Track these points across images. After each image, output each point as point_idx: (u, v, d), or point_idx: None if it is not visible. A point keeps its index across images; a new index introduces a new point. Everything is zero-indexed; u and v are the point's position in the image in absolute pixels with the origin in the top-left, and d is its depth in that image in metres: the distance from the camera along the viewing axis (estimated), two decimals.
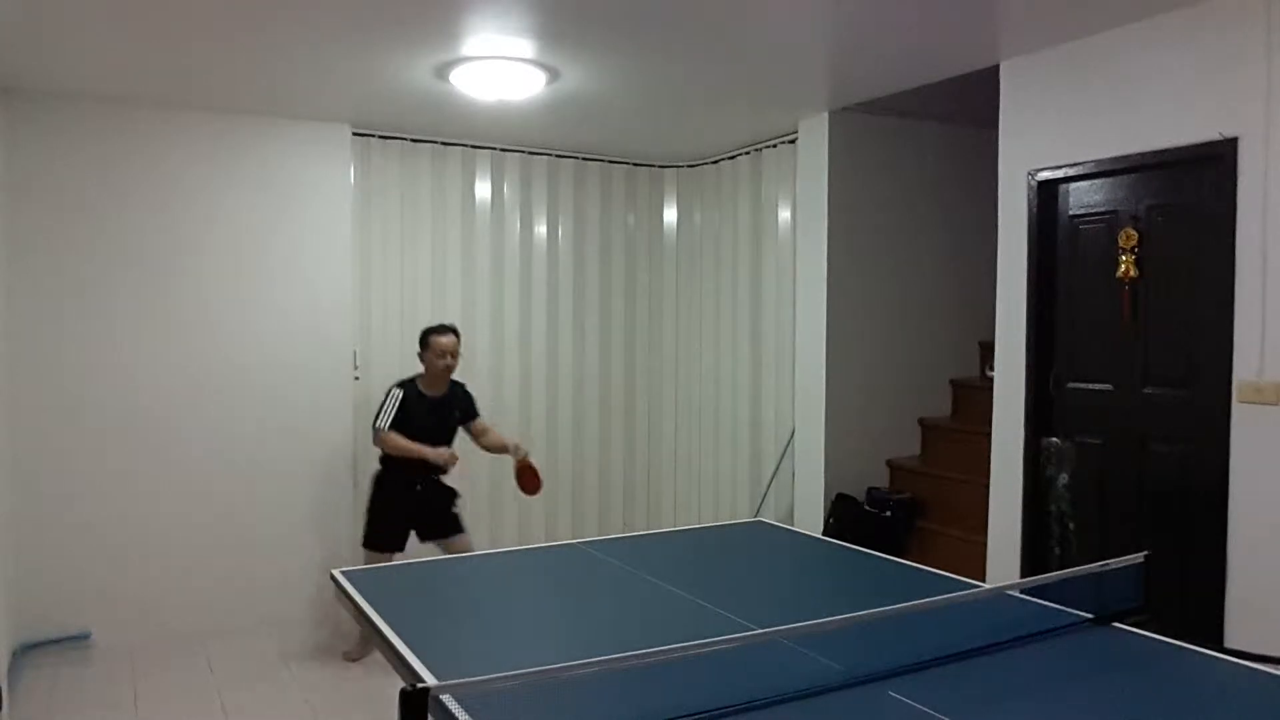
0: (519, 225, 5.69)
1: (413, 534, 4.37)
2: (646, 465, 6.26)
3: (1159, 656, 1.97)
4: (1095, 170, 3.54)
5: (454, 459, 4.25)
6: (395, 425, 4.25)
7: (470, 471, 4.36)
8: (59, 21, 3.32)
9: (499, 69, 3.89)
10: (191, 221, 4.66)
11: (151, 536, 4.59)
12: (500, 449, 4.46)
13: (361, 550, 4.40)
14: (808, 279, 4.96)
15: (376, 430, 4.25)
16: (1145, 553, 2.28)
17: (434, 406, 4.34)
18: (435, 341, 4.29)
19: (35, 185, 4.34)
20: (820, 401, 4.86)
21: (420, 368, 4.40)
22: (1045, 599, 2.28)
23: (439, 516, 4.34)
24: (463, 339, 4.45)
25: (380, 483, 4.37)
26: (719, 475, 5.94)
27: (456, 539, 4.34)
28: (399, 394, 4.29)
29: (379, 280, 5.28)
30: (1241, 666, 1.92)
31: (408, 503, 4.31)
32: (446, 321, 4.52)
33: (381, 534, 4.32)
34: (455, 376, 4.45)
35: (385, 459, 4.34)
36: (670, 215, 6.25)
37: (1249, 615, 3.06)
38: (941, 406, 5.19)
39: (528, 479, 4.34)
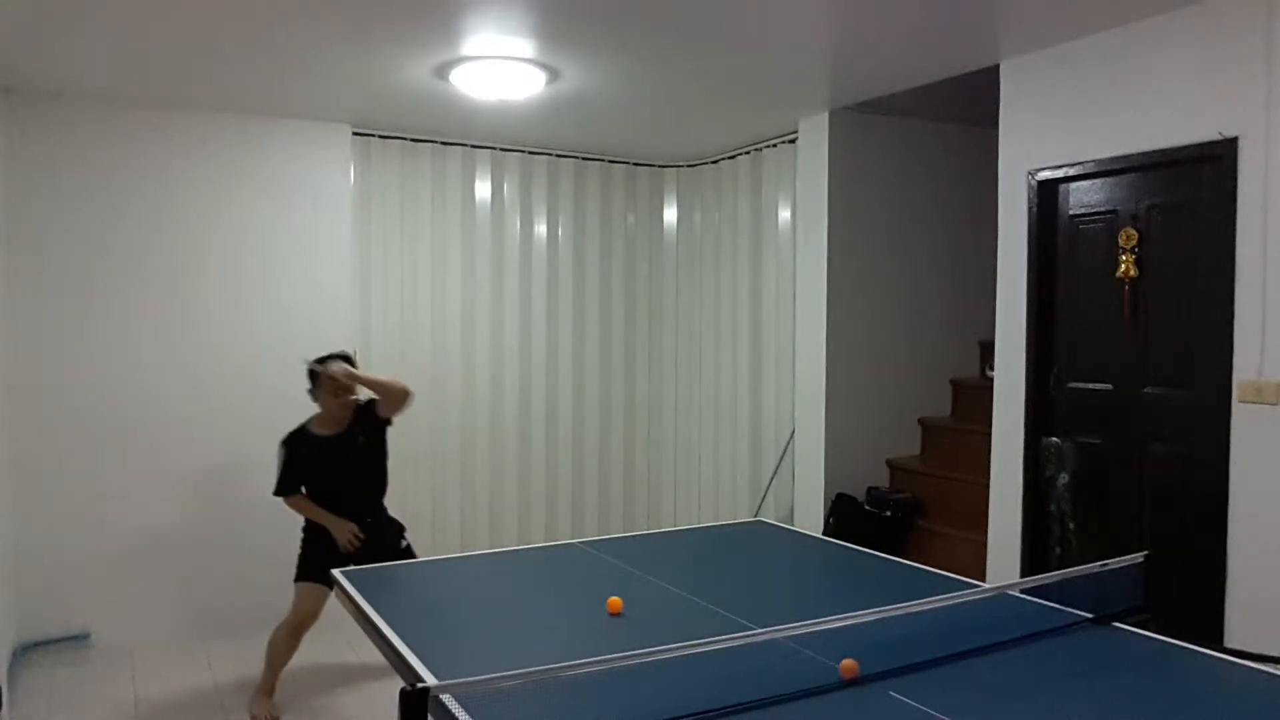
0: (519, 225, 5.69)
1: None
2: (646, 465, 6.26)
3: (1159, 656, 1.97)
4: (1095, 170, 3.54)
5: (352, 539, 3.73)
6: (306, 478, 3.80)
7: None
8: (59, 21, 3.32)
9: (499, 69, 3.89)
10: (191, 221, 4.66)
11: (151, 536, 4.59)
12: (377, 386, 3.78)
13: (293, 585, 3.85)
14: (808, 279, 4.96)
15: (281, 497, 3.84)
16: (1145, 553, 2.28)
17: (332, 447, 3.78)
18: (324, 376, 3.74)
19: (35, 185, 4.34)
20: (820, 401, 4.87)
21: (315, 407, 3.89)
22: (1045, 599, 2.28)
23: (385, 554, 3.65)
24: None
25: (311, 523, 3.86)
26: (719, 475, 5.94)
27: None
28: (284, 453, 3.79)
29: (379, 280, 5.28)
30: (1241, 666, 1.92)
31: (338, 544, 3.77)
32: (338, 350, 3.95)
33: (312, 568, 3.78)
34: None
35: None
36: (670, 215, 6.25)
37: (1249, 615, 3.06)
38: (941, 406, 5.19)
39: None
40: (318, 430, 3.83)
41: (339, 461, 3.80)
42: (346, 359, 3.83)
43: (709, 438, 6.05)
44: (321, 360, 3.81)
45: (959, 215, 5.11)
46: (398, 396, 3.79)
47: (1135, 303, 3.48)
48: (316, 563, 3.77)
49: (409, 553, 3.94)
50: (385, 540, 3.87)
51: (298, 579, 3.83)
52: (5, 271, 4.21)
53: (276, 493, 3.81)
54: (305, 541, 3.89)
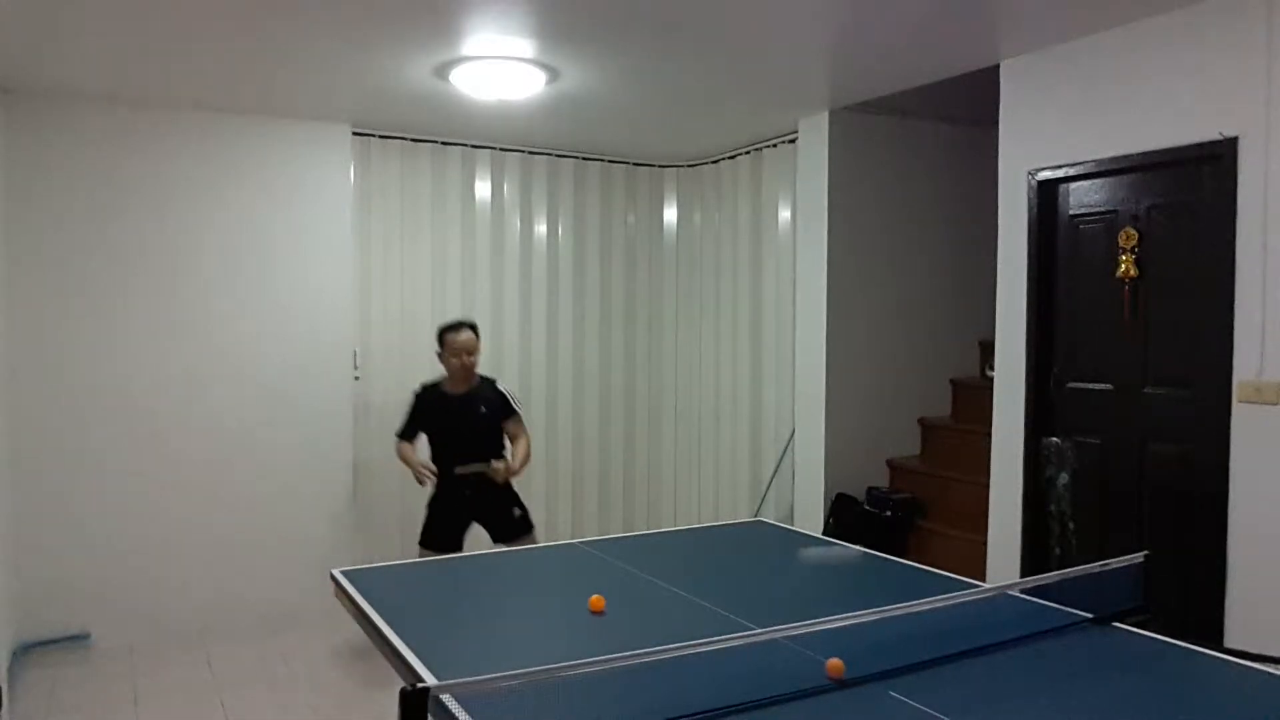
0: (519, 225, 5.69)
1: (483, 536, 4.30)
2: (646, 465, 6.26)
3: (1159, 656, 1.97)
4: (1095, 170, 3.54)
5: (425, 473, 4.13)
6: (423, 428, 4.25)
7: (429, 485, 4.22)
8: (59, 21, 3.32)
9: (499, 69, 3.89)
10: (191, 221, 4.66)
11: (151, 536, 4.59)
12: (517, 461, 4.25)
13: (417, 548, 4.26)
14: (808, 279, 4.96)
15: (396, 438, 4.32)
16: (1145, 553, 2.28)
17: (456, 405, 4.22)
18: (450, 340, 4.20)
19: (35, 185, 4.34)
20: (820, 401, 4.86)
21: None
22: (1045, 599, 2.28)
23: (499, 519, 4.25)
24: (481, 335, 4.31)
25: (437, 485, 4.26)
26: (719, 475, 5.94)
27: (520, 540, 4.19)
28: (413, 400, 4.30)
29: (379, 280, 5.27)
30: (1241, 666, 1.92)
31: (459, 506, 4.22)
32: (465, 318, 4.40)
33: (432, 534, 4.24)
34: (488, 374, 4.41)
35: (437, 462, 4.22)
36: (670, 215, 6.25)
37: (1249, 615, 3.06)
38: (941, 406, 5.19)
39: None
40: (445, 388, 4.27)
41: (456, 417, 4.22)
42: (470, 328, 4.26)
43: (709, 437, 6.05)
44: (451, 326, 4.24)
45: (959, 215, 5.10)
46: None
47: (1135, 303, 3.48)
48: (436, 530, 4.25)
49: (524, 522, 4.27)
50: (496, 504, 4.23)
51: (421, 543, 4.26)
52: (5, 271, 4.21)
53: (398, 434, 4.30)
54: (429, 510, 4.30)
